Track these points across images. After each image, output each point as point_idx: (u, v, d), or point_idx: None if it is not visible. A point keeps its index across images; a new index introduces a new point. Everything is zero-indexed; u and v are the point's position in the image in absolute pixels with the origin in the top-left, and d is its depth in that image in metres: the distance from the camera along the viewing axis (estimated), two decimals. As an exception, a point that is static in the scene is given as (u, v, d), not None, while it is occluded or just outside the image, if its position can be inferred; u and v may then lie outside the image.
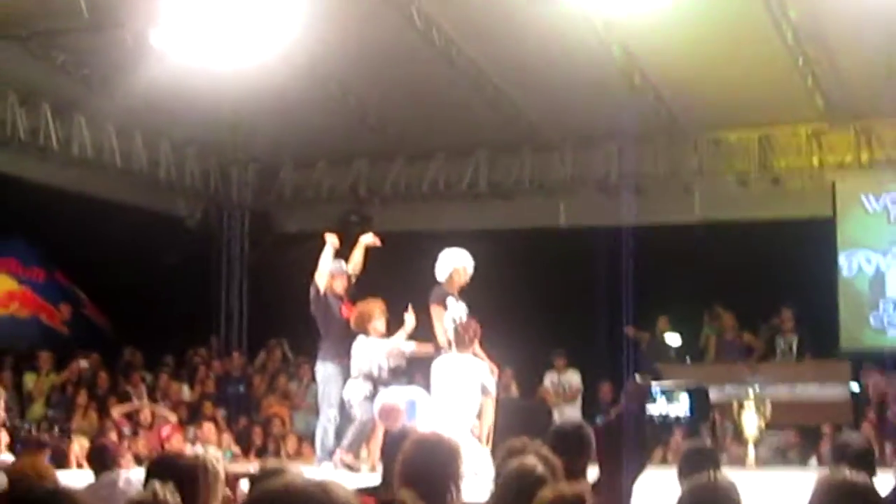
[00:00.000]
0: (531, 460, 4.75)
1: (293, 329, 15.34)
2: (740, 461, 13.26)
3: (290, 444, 15.09)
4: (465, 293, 11.63)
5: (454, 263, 11.56)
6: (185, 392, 16.29)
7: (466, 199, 17.76)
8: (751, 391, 13.71)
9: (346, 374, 11.81)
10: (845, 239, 16.06)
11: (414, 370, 12.04)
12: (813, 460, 14.27)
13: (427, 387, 11.03)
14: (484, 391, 10.77)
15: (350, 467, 11.31)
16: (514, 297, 11.83)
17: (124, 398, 15.31)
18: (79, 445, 12.99)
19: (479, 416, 10.77)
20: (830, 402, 14.63)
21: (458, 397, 10.67)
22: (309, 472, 6.37)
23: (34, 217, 15.12)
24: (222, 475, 5.94)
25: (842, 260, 15.99)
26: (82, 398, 15.15)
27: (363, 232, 13.14)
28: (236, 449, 14.85)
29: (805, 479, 5.58)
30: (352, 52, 13.76)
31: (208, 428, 14.59)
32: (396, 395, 11.18)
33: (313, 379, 13.08)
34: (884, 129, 15.95)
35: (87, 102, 15.24)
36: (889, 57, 13.37)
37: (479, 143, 17.25)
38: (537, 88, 14.94)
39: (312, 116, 15.59)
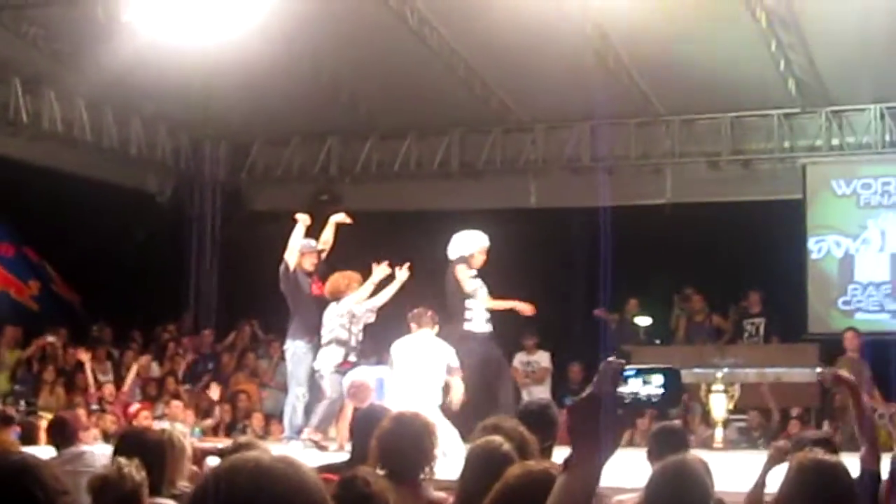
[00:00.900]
0: (497, 439, 4.76)
1: (263, 306, 15.30)
2: (708, 443, 13.30)
3: (257, 421, 15.05)
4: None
5: (481, 243, 11.74)
6: (154, 368, 16.23)
7: (438, 178, 17.74)
8: (719, 374, 13.76)
9: (315, 352, 11.81)
10: (815, 223, 16.13)
11: (383, 350, 12.05)
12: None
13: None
14: (449, 370, 10.83)
15: (318, 445, 11.31)
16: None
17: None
18: (47, 422, 12.90)
19: (447, 393, 10.83)
20: (799, 384, 14.65)
21: (423, 376, 10.72)
22: (277, 450, 6.36)
23: (3, 192, 14.95)
24: (189, 451, 5.93)
25: (811, 244, 16.06)
26: (49, 374, 15.06)
27: (334, 210, 13.14)
28: (206, 424, 14.80)
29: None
30: (325, 29, 13.71)
31: (176, 405, 14.53)
32: (366, 373, 11.21)
33: (283, 357, 13.05)
34: (855, 114, 16.02)
35: (57, 77, 15.12)
36: (862, 42, 13.43)
37: (451, 123, 17.20)
38: (510, 69, 14.92)
39: (285, 94, 15.52)
